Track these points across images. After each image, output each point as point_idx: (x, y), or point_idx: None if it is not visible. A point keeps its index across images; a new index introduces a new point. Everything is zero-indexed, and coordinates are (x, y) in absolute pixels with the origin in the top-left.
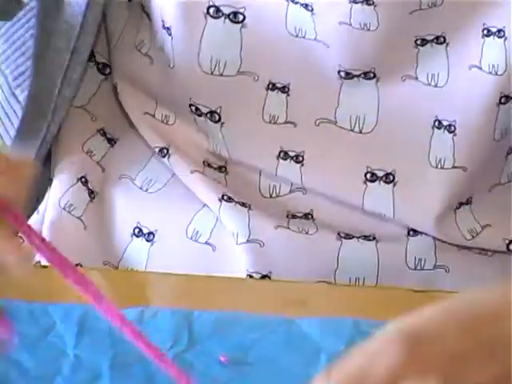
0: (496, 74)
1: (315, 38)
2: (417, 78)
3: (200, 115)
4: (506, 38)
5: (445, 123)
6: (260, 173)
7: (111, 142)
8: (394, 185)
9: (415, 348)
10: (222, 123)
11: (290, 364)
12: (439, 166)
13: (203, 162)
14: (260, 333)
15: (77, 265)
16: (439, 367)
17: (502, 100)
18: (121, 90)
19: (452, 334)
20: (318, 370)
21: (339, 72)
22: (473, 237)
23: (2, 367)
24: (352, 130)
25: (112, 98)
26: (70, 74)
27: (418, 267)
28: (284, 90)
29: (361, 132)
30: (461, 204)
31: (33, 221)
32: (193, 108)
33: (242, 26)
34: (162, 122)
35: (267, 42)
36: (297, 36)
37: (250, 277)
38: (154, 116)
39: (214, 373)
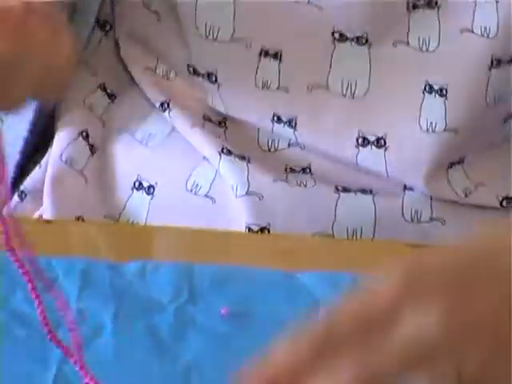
0: (488, 36)
1: (308, 2)
2: (408, 43)
3: (198, 75)
4: (497, 1)
5: (436, 87)
6: (258, 129)
7: (111, 97)
8: (386, 149)
9: (416, 278)
10: (219, 84)
11: (290, 317)
12: (430, 129)
13: (203, 117)
14: (260, 286)
15: (78, 218)
16: (442, 294)
17: (494, 63)
18: (122, 45)
19: (454, 265)
20: None
21: (333, 34)
22: (466, 195)
23: (6, 319)
24: (344, 95)
25: (112, 54)
26: (78, 33)
27: (415, 220)
28: (276, 56)
29: (353, 97)
30: (452, 164)
31: (35, 175)
32: (191, 69)
33: None
34: (163, 77)
35: (260, 7)
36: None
37: (249, 229)
38: (154, 71)
39: (215, 325)
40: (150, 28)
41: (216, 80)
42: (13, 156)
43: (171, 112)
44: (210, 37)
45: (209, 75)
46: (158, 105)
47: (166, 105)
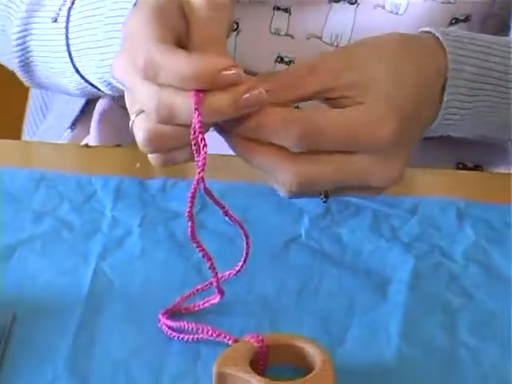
0: (449, 3)
1: None
2: (384, 7)
3: None
4: None
5: None
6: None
7: None
8: None
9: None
10: (239, 31)
11: (279, 223)
12: None
13: None
14: (257, 198)
15: (117, 145)
16: None
17: (453, 21)
18: None
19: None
20: (302, 228)
21: None
22: None
23: (55, 226)
24: (331, 45)
25: None
26: None
27: None
28: (287, 10)
29: (337, 47)
30: None
31: (84, 110)
32: None
33: None
34: None
35: None
36: None
37: None
38: None
39: (221, 229)
40: None
41: (237, 27)
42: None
43: None
44: None
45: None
46: None
47: None
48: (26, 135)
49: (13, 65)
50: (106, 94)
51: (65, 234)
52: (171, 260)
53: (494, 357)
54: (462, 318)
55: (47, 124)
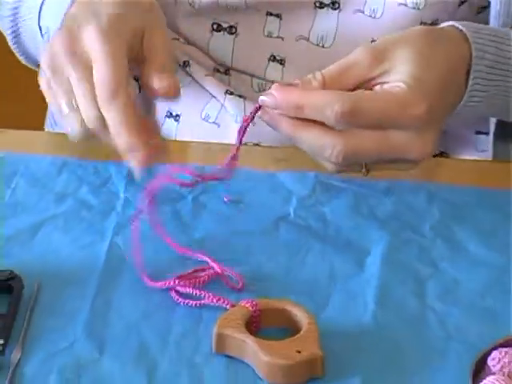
0: (418, 9)
1: None
2: (363, 12)
3: (219, 30)
4: None
5: None
6: (253, 76)
7: None
8: None
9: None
10: (237, 34)
11: (271, 203)
12: None
13: (213, 69)
14: (252, 182)
15: None
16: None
17: (421, 25)
18: None
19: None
20: (290, 208)
21: (315, 3)
22: None
23: (75, 206)
24: (317, 45)
25: None
26: None
27: None
28: (278, 15)
29: (323, 47)
30: None
31: None
32: (215, 26)
33: None
34: (184, 43)
35: None
36: None
37: (245, 144)
38: (178, 39)
39: (220, 209)
40: None
41: (236, 30)
42: None
43: (191, 67)
44: (230, 2)
45: (231, 27)
46: (181, 63)
47: (187, 62)
48: (49, 126)
49: (9, 41)
50: None
51: (84, 213)
52: (176, 236)
53: (457, 319)
54: (430, 285)
55: None
